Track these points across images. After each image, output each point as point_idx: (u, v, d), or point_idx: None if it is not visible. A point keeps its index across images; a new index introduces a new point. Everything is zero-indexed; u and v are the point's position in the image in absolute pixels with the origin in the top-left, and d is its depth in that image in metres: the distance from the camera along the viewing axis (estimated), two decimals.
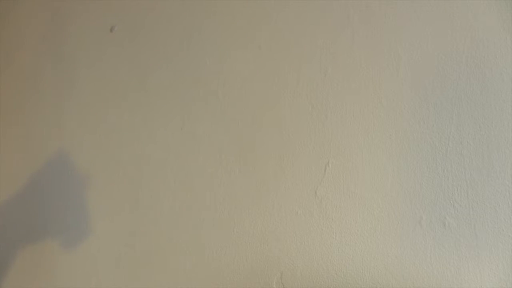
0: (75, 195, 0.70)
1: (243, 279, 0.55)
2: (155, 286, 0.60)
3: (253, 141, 0.59)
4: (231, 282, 0.55)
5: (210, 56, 0.66)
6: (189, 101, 0.65)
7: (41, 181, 0.75)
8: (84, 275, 0.64)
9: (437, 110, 0.49)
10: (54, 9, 0.85)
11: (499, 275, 0.43)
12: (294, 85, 0.58)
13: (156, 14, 0.73)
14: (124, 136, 0.69)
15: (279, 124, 0.58)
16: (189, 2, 0.70)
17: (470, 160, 0.47)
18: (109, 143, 0.70)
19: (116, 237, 0.64)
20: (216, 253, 0.57)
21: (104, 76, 0.75)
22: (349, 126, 0.53)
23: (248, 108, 0.61)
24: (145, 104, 0.69)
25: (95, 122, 0.74)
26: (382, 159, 0.51)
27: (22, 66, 0.86)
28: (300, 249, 0.52)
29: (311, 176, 0.54)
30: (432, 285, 0.45)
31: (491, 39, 0.48)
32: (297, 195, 0.54)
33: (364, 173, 0.51)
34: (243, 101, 0.61)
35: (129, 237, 0.64)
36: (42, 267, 0.68)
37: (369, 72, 0.54)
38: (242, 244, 0.56)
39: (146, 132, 0.67)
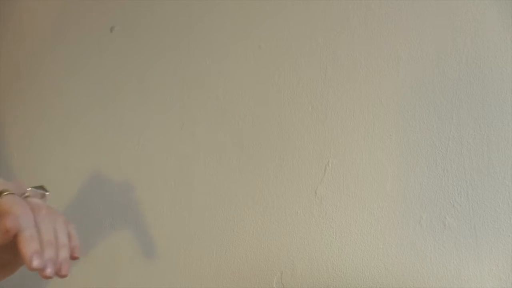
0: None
1: (243, 279, 0.55)
2: (154, 286, 0.60)
3: (253, 141, 0.59)
4: (231, 282, 0.55)
5: (210, 55, 0.66)
6: (188, 100, 0.65)
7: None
8: (84, 275, 0.64)
9: (437, 110, 0.49)
10: (54, 9, 0.85)
11: (499, 275, 0.43)
12: (294, 85, 0.58)
13: (156, 14, 0.73)
14: (123, 135, 0.69)
15: (279, 124, 0.58)
16: (189, 2, 0.70)
17: (470, 160, 0.47)
18: (108, 143, 0.70)
19: (115, 237, 0.64)
20: (216, 253, 0.57)
21: (103, 76, 0.75)
22: (349, 126, 0.53)
23: (248, 108, 0.61)
24: (144, 104, 0.69)
25: (94, 122, 0.74)
26: (382, 159, 0.51)
27: (22, 66, 0.86)
28: (300, 249, 0.52)
29: (311, 176, 0.54)
30: (432, 285, 0.45)
31: (491, 39, 0.48)
32: (297, 195, 0.54)
33: (364, 173, 0.51)
34: (243, 101, 0.61)
35: (128, 236, 0.64)
36: None
37: (369, 72, 0.54)
38: (242, 244, 0.56)
39: (146, 132, 0.67)
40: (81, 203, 0.68)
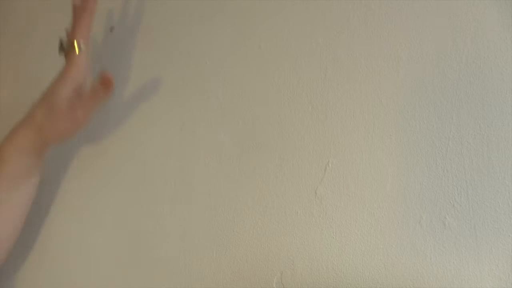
0: None
1: (243, 279, 0.55)
2: (154, 286, 0.60)
3: (253, 141, 0.59)
4: (231, 282, 0.55)
5: (210, 55, 0.66)
6: (188, 101, 0.65)
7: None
8: (84, 274, 0.64)
9: (437, 110, 0.49)
10: (53, 8, 0.85)
11: (499, 275, 0.43)
12: (294, 85, 0.58)
13: (156, 14, 0.73)
14: (123, 136, 0.69)
15: (279, 124, 0.58)
16: (189, 2, 0.70)
17: (470, 160, 0.47)
18: (108, 143, 0.70)
19: (116, 237, 0.64)
20: (216, 253, 0.57)
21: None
22: (349, 126, 0.53)
23: (248, 108, 0.61)
24: (144, 104, 0.69)
25: (94, 122, 0.74)
26: (382, 159, 0.51)
27: (21, 66, 0.86)
28: (300, 249, 0.52)
29: (311, 176, 0.54)
30: (432, 285, 0.46)
31: (491, 39, 0.48)
32: (297, 195, 0.54)
33: (364, 173, 0.51)
34: (243, 101, 0.61)
35: (129, 237, 0.64)
36: (41, 266, 0.68)
37: (369, 72, 0.54)
38: (242, 244, 0.56)
39: (146, 132, 0.67)
40: None
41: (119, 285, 0.62)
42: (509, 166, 0.45)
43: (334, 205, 0.52)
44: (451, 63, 0.49)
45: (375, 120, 0.52)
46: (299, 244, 0.53)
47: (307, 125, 0.56)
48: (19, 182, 0.62)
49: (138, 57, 0.73)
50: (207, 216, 0.59)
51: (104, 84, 0.61)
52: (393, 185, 0.49)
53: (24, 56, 0.86)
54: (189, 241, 0.59)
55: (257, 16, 0.63)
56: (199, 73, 0.66)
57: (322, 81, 0.56)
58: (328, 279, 0.50)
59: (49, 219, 0.70)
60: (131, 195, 0.65)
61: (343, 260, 0.50)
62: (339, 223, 0.51)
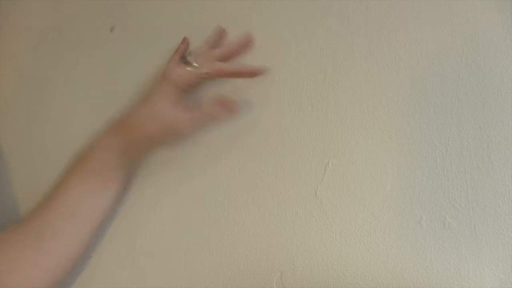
0: None
1: (243, 279, 0.55)
2: (154, 286, 0.60)
3: (253, 141, 0.59)
4: (231, 282, 0.55)
5: None
6: None
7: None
8: (83, 274, 0.64)
9: (437, 110, 0.49)
10: (53, 8, 0.85)
11: (499, 275, 0.43)
12: (294, 85, 0.58)
13: (156, 14, 0.73)
14: None
15: (279, 124, 0.58)
16: (189, 2, 0.70)
17: (470, 160, 0.47)
18: None
19: (115, 237, 0.64)
20: (216, 253, 0.57)
21: (103, 76, 0.75)
22: (349, 126, 0.53)
23: (248, 108, 0.61)
24: None
25: (94, 122, 0.74)
26: (382, 159, 0.51)
27: (22, 66, 0.86)
28: (300, 249, 0.53)
29: (311, 176, 0.54)
30: (432, 285, 0.46)
31: (491, 39, 0.48)
32: (297, 195, 0.54)
33: (364, 173, 0.51)
34: (243, 101, 0.61)
35: (128, 237, 0.64)
36: None
37: (369, 72, 0.54)
38: (242, 244, 0.56)
39: None
40: None
41: (118, 285, 0.62)
42: (509, 166, 0.45)
43: (334, 205, 0.52)
44: (451, 63, 0.50)
45: (375, 120, 0.52)
46: (299, 244, 0.53)
47: (307, 125, 0.56)
48: (103, 180, 0.60)
49: (138, 57, 0.73)
50: (207, 216, 0.59)
51: (225, 109, 0.59)
52: (393, 185, 0.49)
53: (24, 56, 0.86)
54: (189, 241, 0.59)
55: (257, 16, 0.63)
56: None
57: (322, 81, 0.56)
58: (328, 279, 0.50)
59: None
60: (131, 195, 0.65)
61: (343, 260, 0.50)
62: (339, 223, 0.51)
